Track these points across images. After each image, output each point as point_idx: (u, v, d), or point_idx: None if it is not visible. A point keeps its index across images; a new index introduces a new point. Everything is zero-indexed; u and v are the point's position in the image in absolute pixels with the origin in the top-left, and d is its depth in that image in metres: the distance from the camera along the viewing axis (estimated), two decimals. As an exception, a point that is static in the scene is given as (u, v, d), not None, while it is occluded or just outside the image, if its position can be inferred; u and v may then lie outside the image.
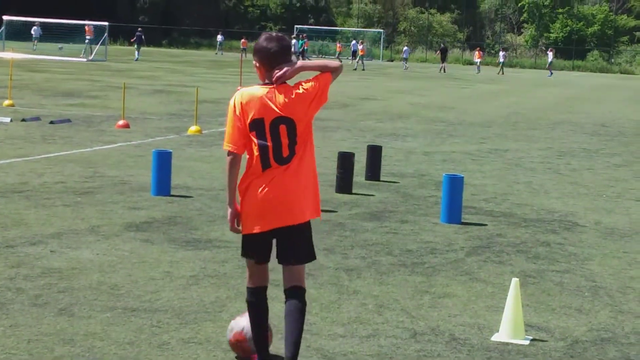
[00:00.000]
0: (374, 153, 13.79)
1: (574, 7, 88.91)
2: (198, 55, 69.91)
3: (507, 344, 6.44)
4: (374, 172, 13.71)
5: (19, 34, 56.05)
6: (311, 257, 5.46)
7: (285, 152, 5.28)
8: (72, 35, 58.59)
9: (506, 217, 11.29)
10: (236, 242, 9.07)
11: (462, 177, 11.03)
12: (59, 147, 15.58)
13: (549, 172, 15.61)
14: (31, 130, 17.76)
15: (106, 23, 54.52)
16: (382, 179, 13.74)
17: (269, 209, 5.27)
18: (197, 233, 9.50)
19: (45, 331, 6.18)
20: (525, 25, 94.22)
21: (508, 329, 6.52)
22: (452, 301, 7.45)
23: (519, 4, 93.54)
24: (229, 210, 5.38)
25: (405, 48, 69.26)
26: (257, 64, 5.34)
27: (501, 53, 67.56)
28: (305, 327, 6.45)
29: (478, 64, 66.18)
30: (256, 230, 5.31)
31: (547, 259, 9.16)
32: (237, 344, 5.75)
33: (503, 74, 62.67)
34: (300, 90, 5.28)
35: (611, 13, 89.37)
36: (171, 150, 12.05)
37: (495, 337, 6.55)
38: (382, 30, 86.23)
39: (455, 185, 10.71)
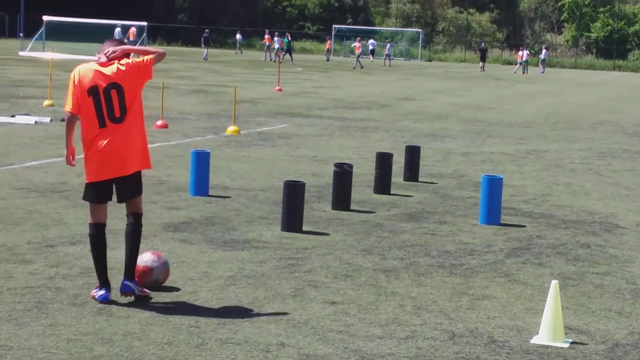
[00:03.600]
0: (413, 153, 13.75)
1: (616, 6, 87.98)
2: (236, 55, 70.14)
3: (547, 346, 6.39)
4: (412, 172, 13.66)
5: (58, 34, 56.49)
6: (140, 192, 7.08)
7: (117, 113, 6.83)
8: (109, 35, 58.89)
9: (546, 219, 11.20)
10: (274, 243, 9.11)
11: (502, 178, 10.96)
12: (98, 147, 15.67)
13: (589, 173, 15.46)
14: (71, 130, 17.87)
15: (145, 23, 54.83)
16: (420, 179, 13.69)
17: (108, 161, 6.80)
18: (235, 233, 9.52)
19: (84, 330, 6.22)
20: (565, 24, 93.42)
21: (548, 332, 6.47)
22: (490, 303, 7.41)
23: (559, 3, 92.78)
24: (66, 152, 7.04)
25: (371, 41, 64.81)
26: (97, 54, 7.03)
27: (525, 52, 64.08)
28: (343, 328, 6.48)
29: (519, 63, 63.52)
30: (98, 179, 6.87)
31: (587, 261, 9.07)
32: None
33: (526, 73, 60.54)
34: (124, 62, 6.94)
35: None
36: (209, 151, 12.09)
37: (535, 340, 6.50)
38: (420, 30, 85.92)
39: (494, 186, 10.64)
